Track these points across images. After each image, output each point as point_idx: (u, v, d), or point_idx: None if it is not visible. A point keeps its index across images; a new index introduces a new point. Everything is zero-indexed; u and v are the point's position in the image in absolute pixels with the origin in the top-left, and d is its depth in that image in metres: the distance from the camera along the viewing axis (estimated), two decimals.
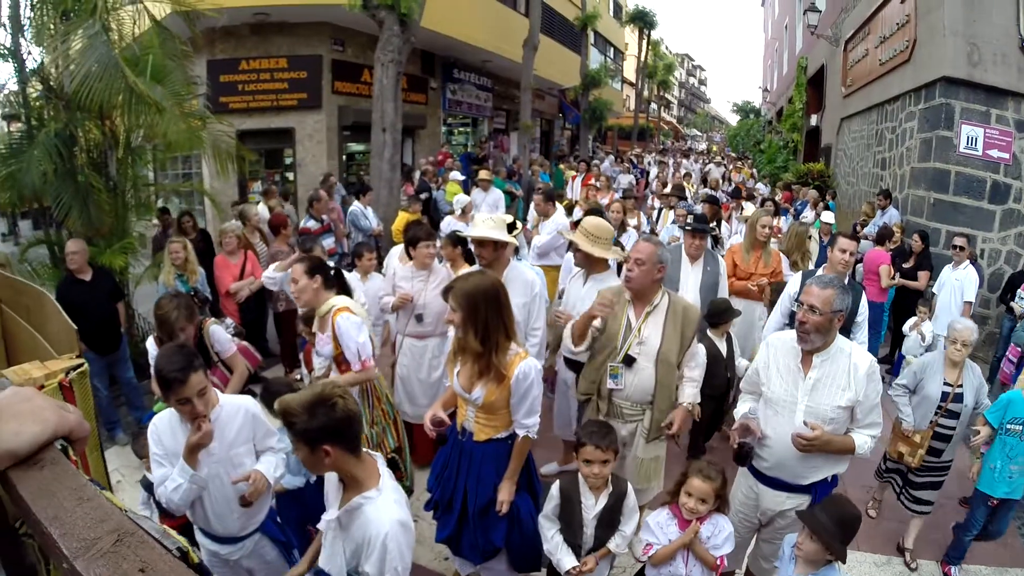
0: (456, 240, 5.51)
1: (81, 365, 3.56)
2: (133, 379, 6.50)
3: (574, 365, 4.55)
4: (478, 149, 20.88)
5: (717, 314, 5.44)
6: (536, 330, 4.74)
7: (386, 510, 2.39)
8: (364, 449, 2.55)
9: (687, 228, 5.74)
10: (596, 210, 8.50)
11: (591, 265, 4.76)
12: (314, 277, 4.06)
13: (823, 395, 3.26)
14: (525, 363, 3.26)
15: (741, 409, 3.62)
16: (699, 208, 8.97)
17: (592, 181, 13.24)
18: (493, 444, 3.43)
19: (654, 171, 20.47)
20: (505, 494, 3.40)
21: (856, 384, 3.22)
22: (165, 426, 3.10)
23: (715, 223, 8.73)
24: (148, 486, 3.75)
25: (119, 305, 6.46)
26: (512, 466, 3.45)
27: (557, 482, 3.44)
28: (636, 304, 3.95)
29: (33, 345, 4.10)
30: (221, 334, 4.64)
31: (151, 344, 4.55)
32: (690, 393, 3.96)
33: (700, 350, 4.01)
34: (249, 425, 3.18)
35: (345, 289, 4.37)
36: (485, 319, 3.18)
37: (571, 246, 4.97)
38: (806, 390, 3.29)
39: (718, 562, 3.17)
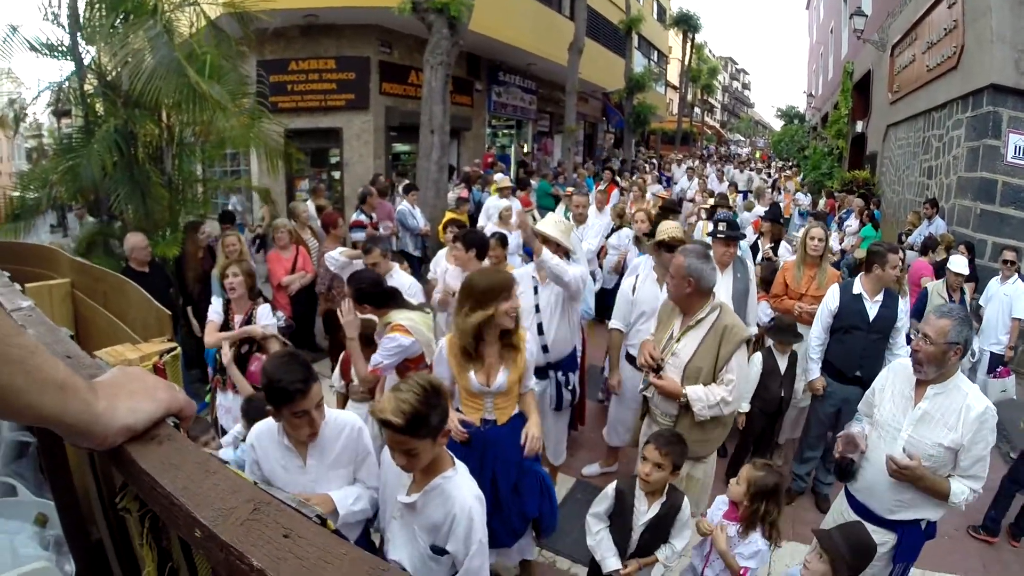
0: (502, 241, 5.71)
1: (174, 349, 3.67)
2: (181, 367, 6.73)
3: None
4: (524, 152, 20.87)
5: (778, 330, 5.35)
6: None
7: (466, 486, 2.49)
8: None
9: (719, 235, 5.43)
10: (669, 208, 8.57)
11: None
12: (362, 306, 4.17)
13: (928, 429, 3.15)
14: (526, 332, 3.64)
15: (852, 428, 3.54)
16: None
17: (615, 191, 13.13)
18: (512, 420, 3.61)
19: (685, 182, 18.90)
20: (533, 434, 3.54)
21: (963, 426, 3.06)
22: (268, 442, 2.94)
23: (773, 244, 8.18)
24: None
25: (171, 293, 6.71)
26: (533, 416, 3.67)
27: (614, 482, 3.50)
28: (683, 316, 3.93)
29: (112, 331, 4.18)
30: (265, 314, 4.97)
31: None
32: (698, 388, 3.70)
33: (732, 379, 3.74)
34: (352, 447, 2.96)
35: (400, 302, 4.35)
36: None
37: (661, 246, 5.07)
38: (912, 420, 3.20)
39: (741, 572, 3.21)
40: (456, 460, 2.60)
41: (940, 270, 8.08)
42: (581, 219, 7.90)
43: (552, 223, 4.82)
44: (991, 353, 7.09)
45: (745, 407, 5.25)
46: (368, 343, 4.26)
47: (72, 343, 1.46)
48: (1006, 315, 7.13)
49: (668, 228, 5.18)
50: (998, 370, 6.79)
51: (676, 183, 20.11)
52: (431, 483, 2.47)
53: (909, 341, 3.65)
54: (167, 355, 3.58)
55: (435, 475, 2.49)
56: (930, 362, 3.11)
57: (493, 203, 10.09)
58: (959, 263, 6.84)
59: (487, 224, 8.93)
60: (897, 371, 3.44)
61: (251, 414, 3.71)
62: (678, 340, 3.87)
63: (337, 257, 5.91)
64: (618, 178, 16.35)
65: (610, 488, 3.45)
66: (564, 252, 4.74)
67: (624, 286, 5.20)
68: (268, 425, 2.94)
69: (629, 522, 3.36)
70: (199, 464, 0.96)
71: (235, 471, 1.00)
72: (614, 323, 5.18)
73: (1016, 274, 7.24)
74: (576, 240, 5.98)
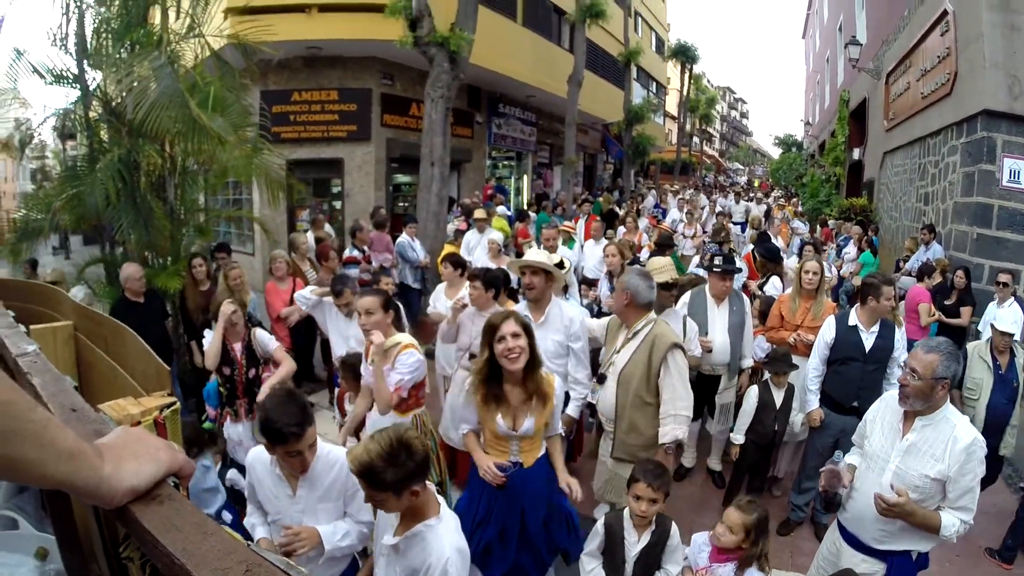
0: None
1: (174, 403, 3.76)
2: (179, 394, 6.76)
3: None
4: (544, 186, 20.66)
5: (773, 361, 5.39)
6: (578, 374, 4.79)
7: (447, 537, 2.49)
8: None
9: (715, 269, 5.60)
10: (666, 244, 8.53)
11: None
12: (388, 312, 4.13)
13: (915, 461, 3.13)
14: (556, 378, 3.61)
15: (839, 463, 3.50)
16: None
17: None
18: (539, 461, 3.60)
19: (675, 213, 17.06)
20: (573, 483, 3.55)
21: (950, 457, 3.04)
22: (261, 471, 3.06)
23: (765, 278, 8.00)
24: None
25: (167, 324, 6.80)
26: (559, 463, 3.69)
27: (602, 518, 3.52)
28: (626, 330, 4.25)
29: (113, 376, 4.22)
30: (264, 335, 5.12)
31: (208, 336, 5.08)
32: (668, 431, 3.92)
33: (677, 385, 3.99)
34: (342, 482, 3.01)
35: (401, 325, 4.41)
36: (533, 336, 3.42)
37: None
38: (900, 451, 3.19)
39: None
40: (444, 508, 2.61)
41: (936, 295, 8.11)
42: (552, 251, 7.90)
43: (537, 253, 4.94)
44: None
45: (740, 439, 5.32)
46: (355, 376, 4.38)
47: (76, 395, 1.50)
48: None
49: (660, 266, 5.29)
50: None
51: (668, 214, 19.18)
52: (413, 529, 2.50)
53: None
54: (167, 410, 3.68)
55: (418, 521, 2.52)
56: (917, 396, 3.12)
57: (473, 237, 9.97)
58: (1007, 318, 5.87)
59: (470, 259, 8.76)
60: (888, 402, 3.44)
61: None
62: (618, 351, 4.18)
63: (308, 296, 5.91)
64: (616, 208, 16.27)
65: (599, 525, 3.47)
66: (552, 281, 4.83)
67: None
68: (264, 451, 3.01)
69: (622, 555, 3.37)
70: (197, 525, 1.02)
71: (229, 532, 1.07)
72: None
73: (1012, 297, 7.25)
74: (571, 276, 5.96)
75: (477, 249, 9.39)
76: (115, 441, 1.12)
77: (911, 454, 3.15)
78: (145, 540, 1.02)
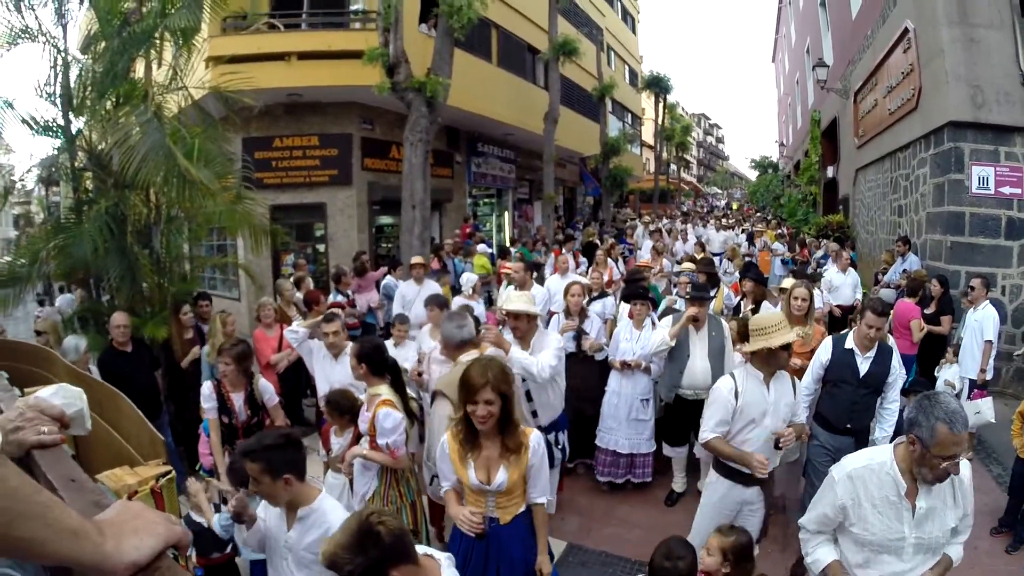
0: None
1: (169, 472, 3.81)
2: (171, 443, 6.73)
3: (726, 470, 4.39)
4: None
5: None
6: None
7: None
8: (425, 551, 2.50)
9: (687, 297, 5.71)
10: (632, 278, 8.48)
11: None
12: (360, 364, 4.31)
13: (933, 524, 2.89)
14: (535, 433, 3.43)
15: (822, 557, 3.17)
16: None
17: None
18: (517, 520, 3.47)
19: (648, 247, 15.40)
20: (547, 567, 3.45)
21: (963, 498, 2.92)
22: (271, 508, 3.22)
23: (754, 305, 7.43)
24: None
25: (158, 373, 6.82)
26: (542, 539, 3.51)
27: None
28: None
29: (108, 441, 4.20)
30: (266, 385, 5.30)
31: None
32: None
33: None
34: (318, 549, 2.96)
35: (397, 380, 4.43)
36: (511, 396, 3.30)
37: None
38: (915, 524, 2.89)
39: None
40: (439, 556, 2.54)
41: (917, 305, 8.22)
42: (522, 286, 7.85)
43: (517, 298, 5.08)
44: (969, 380, 7.17)
45: None
46: (340, 413, 4.52)
47: (75, 465, 1.55)
48: (979, 341, 7.22)
49: (777, 323, 4.09)
50: (972, 393, 6.89)
51: (639, 248, 17.76)
52: None
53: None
54: (163, 479, 3.74)
55: None
56: None
57: (410, 290, 8.79)
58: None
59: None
60: (865, 478, 2.99)
61: (237, 475, 3.87)
62: None
63: (297, 329, 5.99)
64: (598, 241, 16.25)
65: None
66: (534, 320, 5.05)
67: (723, 388, 4.21)
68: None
69: None
70: None
71: None
72: (706, 433, 4.25)
73: (987, 300, 7.39)
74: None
75: (415, 304, 8.25)
76: (115, 517, 1.20)
77: (929, 519, 2.89)
78: None
